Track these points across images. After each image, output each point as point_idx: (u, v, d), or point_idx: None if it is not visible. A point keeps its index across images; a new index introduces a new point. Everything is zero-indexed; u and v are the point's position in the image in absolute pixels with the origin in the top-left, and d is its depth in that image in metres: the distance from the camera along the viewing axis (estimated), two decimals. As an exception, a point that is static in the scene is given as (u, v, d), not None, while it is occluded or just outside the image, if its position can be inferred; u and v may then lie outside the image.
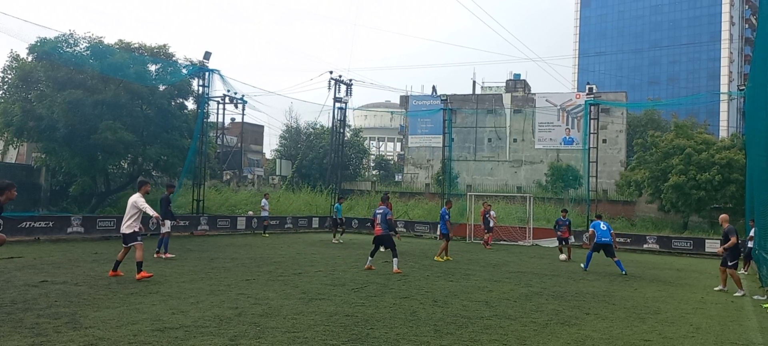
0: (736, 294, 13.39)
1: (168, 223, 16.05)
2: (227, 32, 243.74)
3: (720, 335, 8.99)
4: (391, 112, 75.98)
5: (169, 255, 15.87)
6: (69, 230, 21.45)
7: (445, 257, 18.86)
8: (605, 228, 17.80)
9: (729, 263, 13.80)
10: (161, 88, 29.10)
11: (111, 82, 26.87)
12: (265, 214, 27.91)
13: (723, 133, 64.01)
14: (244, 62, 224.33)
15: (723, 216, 14.51)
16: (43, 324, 7.68)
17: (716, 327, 9.58)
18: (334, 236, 26.33)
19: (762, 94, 14.42)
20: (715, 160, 32.64)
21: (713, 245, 26.99)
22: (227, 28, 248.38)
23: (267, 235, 27.45)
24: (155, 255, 15.72)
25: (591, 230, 18.33)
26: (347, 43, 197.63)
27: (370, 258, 15.33)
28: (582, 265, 18.22)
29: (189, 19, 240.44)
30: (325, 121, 53.71)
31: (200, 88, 28.88)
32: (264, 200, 28.43)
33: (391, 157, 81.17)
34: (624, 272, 16.95)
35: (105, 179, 30.27)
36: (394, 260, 14.75)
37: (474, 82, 64.78)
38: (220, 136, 47.97)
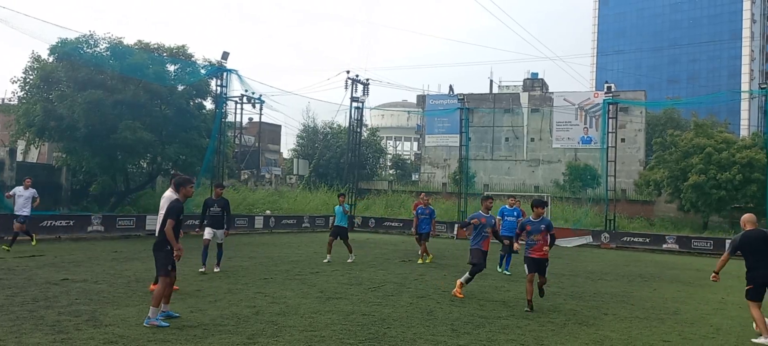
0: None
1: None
2: (244, 33, 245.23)
3: (741, 336, 8.88)
4: (408, 112, 75.91)
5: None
6: (89, 228, 21.70)
7: (424, 258, 17.22)
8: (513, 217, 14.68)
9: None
10: (180, 88, 29.31)
11: (130, 82, 27.13)
12: (21, 213, 16.43)
13: (744, 132, 63.03)
14: (261, 62, 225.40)
15: (743, 216, 9.44)
16: (64, 322, 7.79)
17: (737, 328, 9.46)
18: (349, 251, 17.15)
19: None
20: (736, 160, 32.18)
21: (734, 246, 26.62)
22: (244, 29, 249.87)
23: (7, 248, 15.76)
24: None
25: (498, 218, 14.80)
26: (364, 43, 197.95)
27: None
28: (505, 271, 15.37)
29: (206, 21, 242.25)
30: (342, 120, 53.84)
31: (218, 88, 29.07)
32: (19, 188, 16.87)
33: (408, 157, 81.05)
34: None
35: (125, 178, 30.58)
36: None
37: (491, 82, 64.48)
38: (238, 135, 48.24)
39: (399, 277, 13.71)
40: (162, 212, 9.78)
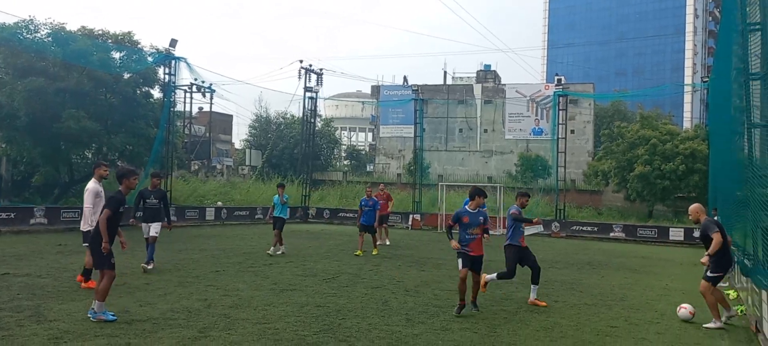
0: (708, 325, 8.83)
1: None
2: (193, 20, 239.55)
3: (684, 321, 9.19)
4: (363, 102, 75.77)
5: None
6: (32, 221, 20.92)
7: (371, 250, 16.89)
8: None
9: (709, 274, 8.98)
10: (126, 76, 28.51)
11: (74, 69, 26.23)
12: None
13: (687, 124, 65.31)
14: (212, 51, 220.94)
15: (693, 206, 9.41)
16: (5, 318, 7.47)
17: (681, 313, 9.77)
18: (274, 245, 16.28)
19: (725, 85, 14.72)
20: (679, 151, 33.32)
21: (677, 234, 27.58)
22: (193, 15, 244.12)
23: None
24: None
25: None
26: (318, 32, 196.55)
27: None
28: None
29: (156, 6, 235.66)
30: (296, 110, 53.36)
31: (166, 77, 28.39)
32: None
33: (362, 148, 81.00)
34: None
35: (68, 168, 29.58)
36: None
37: (445, 73, 65.00)
38: (188, 125, 47.24)
39: (354, 268, 13.69)
40: (87, 204, 9.59)
